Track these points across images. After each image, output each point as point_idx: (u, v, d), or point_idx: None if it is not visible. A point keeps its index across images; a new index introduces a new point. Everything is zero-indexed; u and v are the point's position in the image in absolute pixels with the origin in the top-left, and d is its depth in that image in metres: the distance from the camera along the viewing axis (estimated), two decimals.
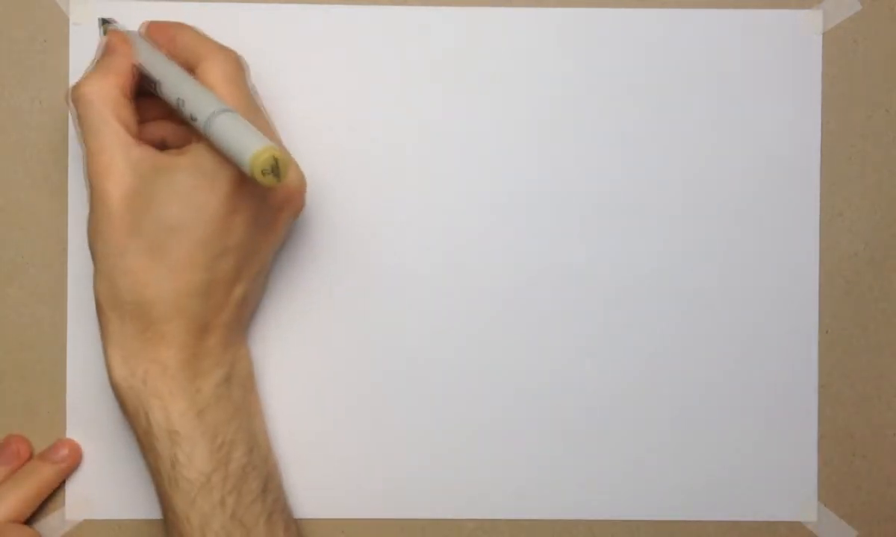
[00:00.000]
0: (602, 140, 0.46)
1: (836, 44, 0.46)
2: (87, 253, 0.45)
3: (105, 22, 0.45)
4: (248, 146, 0.37)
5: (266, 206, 0.41)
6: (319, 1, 0.46)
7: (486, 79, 0.46)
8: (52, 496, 0.46)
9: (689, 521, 0.47)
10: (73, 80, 0.45)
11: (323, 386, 0.46)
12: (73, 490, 0.46)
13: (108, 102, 0.40)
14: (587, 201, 0.46)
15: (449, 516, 0.47)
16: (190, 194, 0.39)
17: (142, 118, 0.42)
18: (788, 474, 0.47)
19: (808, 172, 0.47)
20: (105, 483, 0.46)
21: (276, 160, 0.37)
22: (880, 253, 0.47)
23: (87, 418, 0.46)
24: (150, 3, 0.45)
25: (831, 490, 0.47)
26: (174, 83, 0.40)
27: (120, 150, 0.40)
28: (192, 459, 0.40)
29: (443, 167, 0.46)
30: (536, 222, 0.46)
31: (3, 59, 0.46)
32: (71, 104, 0.41)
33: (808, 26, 0.46)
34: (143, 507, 0.46)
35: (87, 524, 0.46)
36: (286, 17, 0.46)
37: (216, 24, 0.45)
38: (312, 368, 0.46)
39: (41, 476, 0.44)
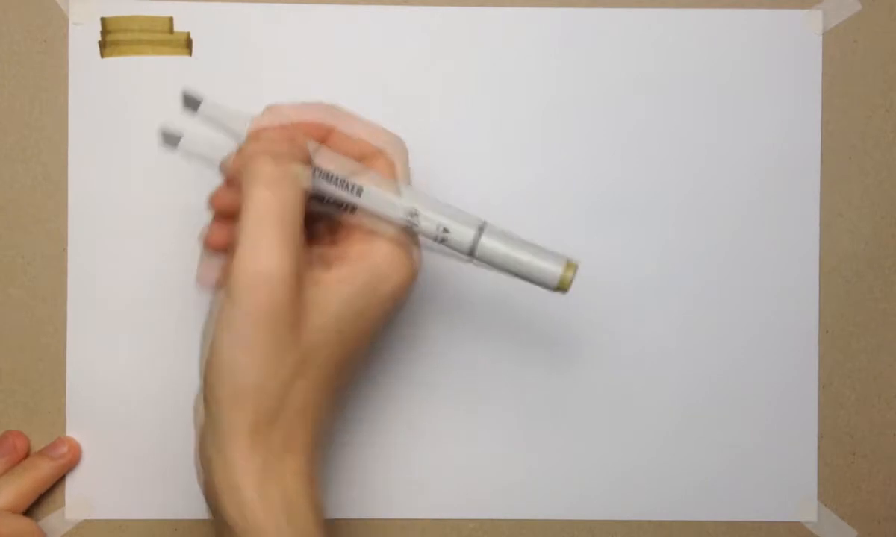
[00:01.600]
0: (602, 140, 0.46)
1: (836, 44, 0.46)
2: (87, 252, 0.45)
3: (189, 97, 0.39)
4: (550, 266, 0.37)
5: (376, 298, 0.38)
6: (320, 1, 0.46)
7: (486, 79, 0.46)
8: (52, 496, 0.46)
9: (689, 521, 0.47)
10: (73, 81, 0.45)
11: None
12: (73, 490, 0.46)
13: (294, 208, 0.36)
14: (587, 201, 0.46)
15: (449, 516, 0.47)
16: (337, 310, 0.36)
17: None
18: (788, 474, 0.47)
19: (808, 172, 0.47)
20: (105, 483, 0.46)
21: (574, 270, 0.37)
22: (880, 253, 0.47)
23: (87, 418, 0.46)
24: (149, 2, 0.45)
25: (831, 490, 0.47)
26: (417, 207, 0.37)
27: (288, 253, 0.35)
28: None
29: (443, 167, 0.46)
30: (537, 222, 0.46)
31: (3, 59, 0.46)
32: (247, 167, 0.36)
33: (808, 26, 0.46)
34: (142, 507, 0.46)
35: (87, 524, 0.46)
36: (286, 17, 0.46)
37: (215, 25, 0.45)
38: None
39: (39, 470, 0.44)
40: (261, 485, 0.36)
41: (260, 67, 0.45)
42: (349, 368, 0.38)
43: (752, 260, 0.47)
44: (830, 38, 0.46)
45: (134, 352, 0.46)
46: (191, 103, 0.38)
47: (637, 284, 0.46)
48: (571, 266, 0.37)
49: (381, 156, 0.38)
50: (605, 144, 0.46)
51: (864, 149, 0.47)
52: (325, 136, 0.38)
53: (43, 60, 0.46)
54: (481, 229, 0.37)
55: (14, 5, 0.45)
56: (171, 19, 0.45)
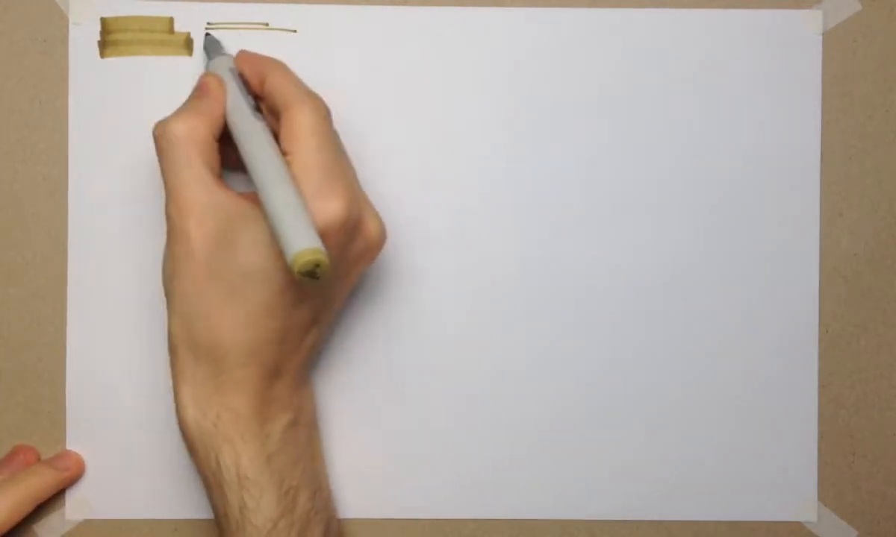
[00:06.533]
0: (601, 140, 0.46)
1: (836, 44, 0.46)
2: (87, 252, 0.45)
3: (208, 33, 0.45)
4: (293, 242, 0.35)
5: (344, 258, 0.41)
6: (320, 1, 0.46)
7: (486, 79, 0.46)
8: (52, 496, 0.45)
9: (689, 521, 0.47)
10: (73, 81, 0.45)
11: (319, 386, 0.46)
12: (73, 490, 0.46)
13: (194, 143, 0.40)
14: (585, 202, 0.46)
15: (449, 516, 0.47)
16: (271, 243, 0.38)
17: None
18: (788, 474, 0.47)
19: (808, 172, 0.47)
20: (105, 483, 0.46)
21: (317, 264, 0.35)
22: (880, 253, 0.47)
23: (87, 418, 0.46)
24: (149, 2, 0.45)
25: (831, 490, 0.47)
26: (247, 140, 0.40)
27: (204, 192, 0.39)
28: (261, 505, 0.39)
29: (443, 167, 0.46)
30: (538, 222, 0.46)
31: (3, 59, 0.46)
32: (154, 139, 0.40)
33: (808, 26, 0.46)
34: (142, 508, 0.46)
35: (87, 524, 0.46)
36: (286, 17, 0.46)
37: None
38: (311, 369, 0.46)
39: (42, 478, 0.44)
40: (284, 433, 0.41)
41: None
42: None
43: (752, 260, 0.47)
44: (830, 38, 0.46)
45: (134, 352, 0.46)
46: (210, 46, 0.45)
47: (637, 284, 0.46)
48: (313, 252, 0.35)
49: (290, 108, 0.40)
50: (604, 144, 0.46)
51: (864, 149, 0.47)
52: (262, 81, 0.42)
53: (43, 60, 0.46)
54: None
55: (14, 5, 0.45)
56: (171, 19, 0.45)
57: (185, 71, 0.45)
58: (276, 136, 0.41)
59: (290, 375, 0.42)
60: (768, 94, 0.46)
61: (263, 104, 0.42)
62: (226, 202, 0.40)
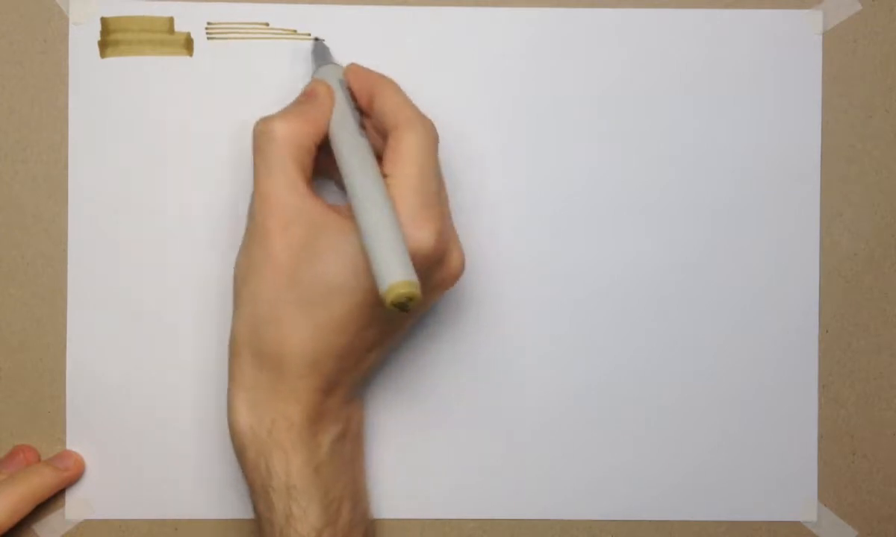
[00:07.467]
0: (601, 140, 0.46)
1: (836, 44, 0.46)
2: (87, 252, 0.45)
3: (317, 39, 0.45)
4: (389, 272, 0.34)
5: (425, 287, 0.39)
6: (319, 2, 0.46)
7: (486, 79, 0.46)
8: (52, 496, 0.45)
9: (689, 521, 0.47)
10: (73, 81, 0.45)
11: None
12: (73, 490, 0.46)
13: (293, 146, 0.39)
14: (586, 201, 0.46)
15: (449, 516, 0.47)
16: (354, 259, 0.38)
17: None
18: (788, 474, 0.47)
19: (808, 172, 0.47)
20: (105, 483, 0.46)
21: (410, 298, 0.34)
22: (880, 253, 0.47)
23: (87, 418, 0.46)
24: (149, 2, 0.45)
25: (831, 490, 0.47)
26: (350, 155, 0.39)
27: (294, 197, 0.39)
28: (307, 514, 0.39)
29: (441, 167, 0.46)
30: (537, 222, 0.46)
31: (3, 59, 0.46)
32: (254, 135, 0.40)
33: (808, 26, 0.46)
34: (143, 508, 0.46)
35: (87, 524, 0.46)
36: (286, 17, 0.46)
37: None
38: None
39: (42, 477, 0.44)
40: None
41: (259, 68, 0.45)
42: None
43: (752, 260, 0.47)
44: (830, 38, 0.46)
45: (134, 352, 0.46)
46: (319, 53, 0.44)
47: (637, 284, 0.46)
48: (407, 285, 0.34)
49: (399, 128, 0.40)
50: (604, 144, 0.46)
51: (864, 149, 0.47)
52: (371, 98, 0.41)
53: (43, 60, 0.46)
54: None
55: (14, 5, 0.45)
56: (171, 19, 0.45)
57: (185, 71, 0.45)
58: (377, 157, 0.40)
59: (344, 389, 0.41)
60: (768, 94, 0.46)
61: (368, 122, 0.42)
62: (315, 211, 0.39)
